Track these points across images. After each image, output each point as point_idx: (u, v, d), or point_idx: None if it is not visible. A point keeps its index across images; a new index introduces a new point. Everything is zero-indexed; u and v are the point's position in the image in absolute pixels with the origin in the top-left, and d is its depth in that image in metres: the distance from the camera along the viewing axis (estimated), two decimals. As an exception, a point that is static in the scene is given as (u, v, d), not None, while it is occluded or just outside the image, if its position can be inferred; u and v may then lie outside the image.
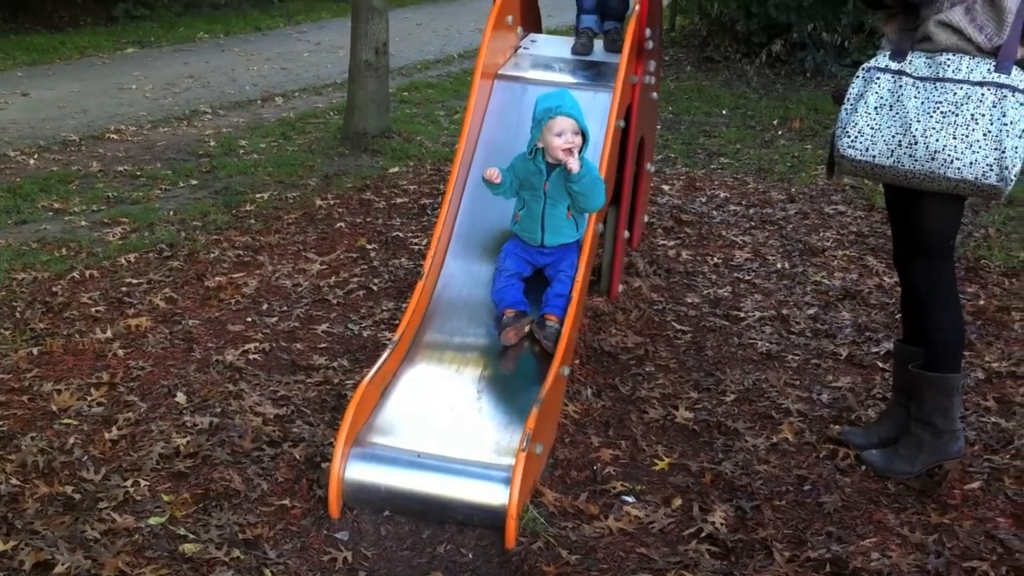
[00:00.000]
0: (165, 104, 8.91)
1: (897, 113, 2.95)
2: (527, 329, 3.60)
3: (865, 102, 3.00)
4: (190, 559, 2.81)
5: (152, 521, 2.96)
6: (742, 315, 4.54)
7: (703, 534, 2.99)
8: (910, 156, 2.92)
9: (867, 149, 2.98)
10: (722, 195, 6.36)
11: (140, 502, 3.06)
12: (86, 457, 3.28)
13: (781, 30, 10.36)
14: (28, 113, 8.31)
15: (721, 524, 3.02)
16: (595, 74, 4.48)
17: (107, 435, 3.40)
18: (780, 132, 8.18)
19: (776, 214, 6.00)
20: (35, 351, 3.99)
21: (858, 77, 3.06)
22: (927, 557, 2.89)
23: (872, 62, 3.05)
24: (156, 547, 2.86)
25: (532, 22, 4.83)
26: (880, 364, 4.07)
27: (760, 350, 4.20)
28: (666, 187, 6.47)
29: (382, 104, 7.43)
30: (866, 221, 5.86)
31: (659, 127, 6.97)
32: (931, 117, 2.90)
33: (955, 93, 2.88)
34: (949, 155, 2.87)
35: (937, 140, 2.88)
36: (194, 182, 6.44)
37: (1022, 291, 4.84)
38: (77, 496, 3.07)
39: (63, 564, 2.74)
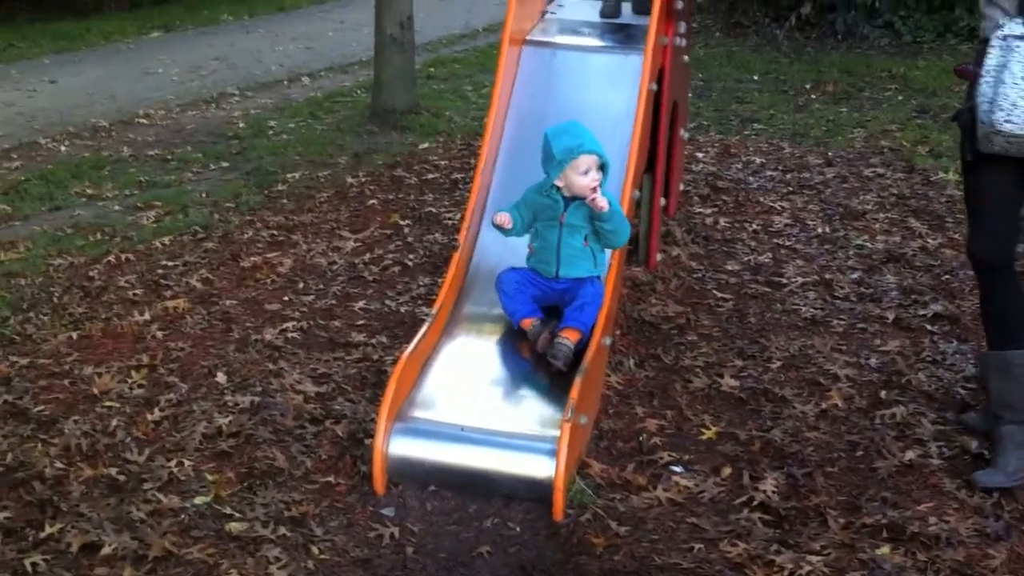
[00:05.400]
0: (192, 87, 8.89)
1: None
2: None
3: (1011, 72, 2.74)
4: (237, 537, 2.79)
5: (197, 501, 2.95)
6: (784, 281, 4.46)
7: (755, 503, 2.93)
8: None
9: None
10: (758, 161, 6.26)
11: (184, 482, 3.04)
12: (129, 439, 3.27)
13: (810, -8, 10.18)
14: (57, 100, 8.31)
15: (772, 492, 2.97)
16: (624, 36, 4.41)
17: (149, 417, 3.38)
18: (814, 96, 8.04)
19: (814, 178, 5.90)
20: (74, 335, 3.98)
21: (994, 47, 2.80)
22: (986, 520, 2.82)
23: (1005, 30, 2.80)
24: (202, 526, 2.84)
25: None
26: (928, 327, 3.99)
27: (804, 316, 4.12)
28: (700, 154, 6.37)
29: (409, 80, 7.38)
30: (907, 183, 5.75)
31: (690, 94, 6.86)
32: None
33: None
34: None
35: None
36: (225, 164, 6.41)
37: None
38: (122, 478, 3.06)
39: (110, 545, 2.73)
